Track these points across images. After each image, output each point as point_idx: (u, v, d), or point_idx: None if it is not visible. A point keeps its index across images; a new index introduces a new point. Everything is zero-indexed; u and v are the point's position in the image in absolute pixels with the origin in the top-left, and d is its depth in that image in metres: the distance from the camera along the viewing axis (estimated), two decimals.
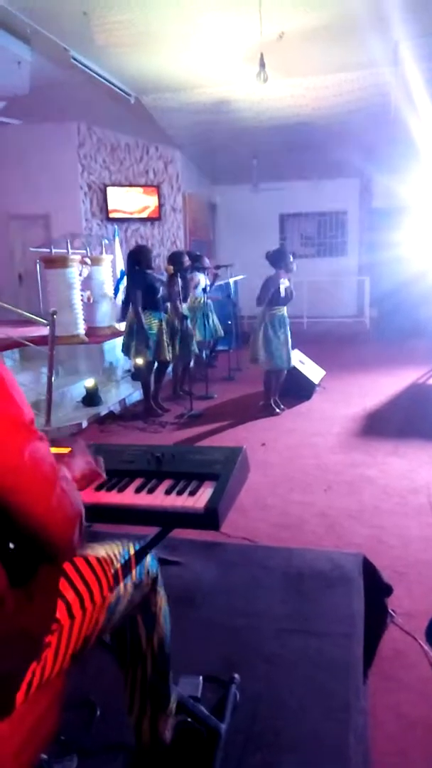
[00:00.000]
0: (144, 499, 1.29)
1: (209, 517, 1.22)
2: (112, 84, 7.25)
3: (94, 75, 6.84)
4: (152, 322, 5.48)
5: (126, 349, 5.66)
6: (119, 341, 6.96)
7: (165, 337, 5.59)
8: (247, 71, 6.30)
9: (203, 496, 1.27)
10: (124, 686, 1.36)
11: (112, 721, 1.51)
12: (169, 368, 6.34)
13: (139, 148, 10.15)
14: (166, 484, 1.34)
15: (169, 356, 5.69)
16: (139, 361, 5.57)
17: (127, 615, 1.27)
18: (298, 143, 9.44)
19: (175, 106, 8.16)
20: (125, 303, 5.74)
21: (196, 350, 6.29)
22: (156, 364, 5.69)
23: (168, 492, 1.31)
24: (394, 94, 7.18)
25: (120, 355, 6.87)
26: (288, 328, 5.50)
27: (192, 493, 1.28)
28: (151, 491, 1.32)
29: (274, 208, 12.37)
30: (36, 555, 0.98)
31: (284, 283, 5.39)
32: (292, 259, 5.46)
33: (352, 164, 9.97)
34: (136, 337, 5.46)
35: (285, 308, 5.49)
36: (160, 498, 1.29)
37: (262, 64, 5.61)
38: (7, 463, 0.86)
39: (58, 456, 1.20)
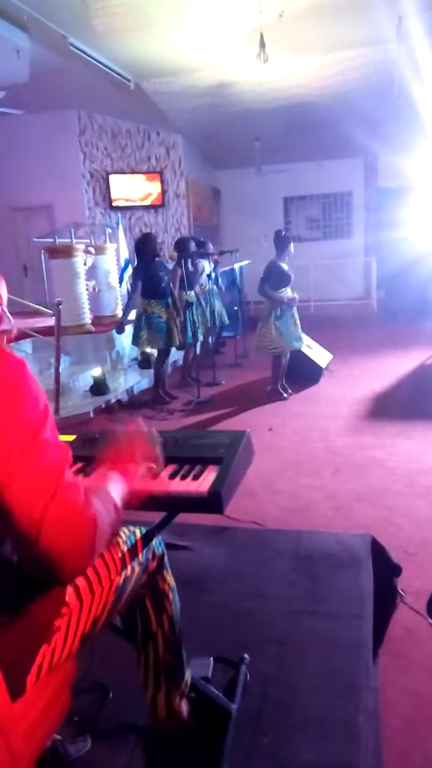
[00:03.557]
0: (148, 484, 1.30)
1: (213, 501, 1.23)
2: (112, 70, 7.17)
3: (93, 61, 6.76)
4: (159, 310, 5.49)
5: (136, 339, 5.68)
6: (126, 330, 6.97)
7: (175, 324, 5.61)
8: (247, 52, 6.20)
9: (207, 480, 1.27)
10: (137, 665, 1.38)
11: (124, 704, 1.54)
12: (178, 355, 6.35)
13: (140, 134, 10.05)
14: (170, 468, 1.35)
15: (178, 342, 5.74)
16: (150, 349, 5.60)
17: (135, 596, 1.28)
18: (300, 124, 9.30)
19: (175, 90, 8.06)
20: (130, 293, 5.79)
21: (201, 337, 6.28)
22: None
23: (172, 476, 1.32)
24: (399, 70, 7.04)
25: (127, 343, 6.88)
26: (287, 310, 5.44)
27: (196, 477, 1.29)
28: (155, 476, 1.33)
29: (278, 191, 12.24)
30: (37, 572, 0.93)
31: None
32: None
33: (357, 144, 9.81)
34: (146, 327, 5.49)
35: (288, 290, 5.44)
36: (164, 483, 1.30)
37: (262, 45, 5.53)
38: None
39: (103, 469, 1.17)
